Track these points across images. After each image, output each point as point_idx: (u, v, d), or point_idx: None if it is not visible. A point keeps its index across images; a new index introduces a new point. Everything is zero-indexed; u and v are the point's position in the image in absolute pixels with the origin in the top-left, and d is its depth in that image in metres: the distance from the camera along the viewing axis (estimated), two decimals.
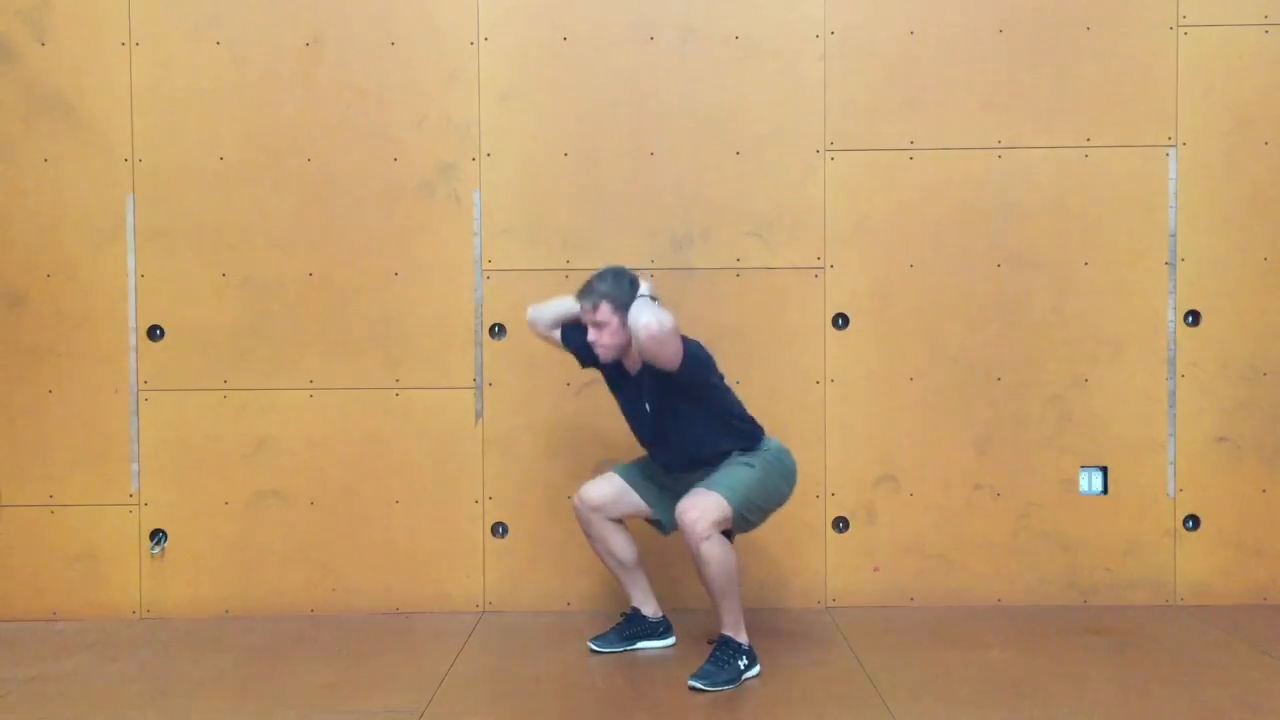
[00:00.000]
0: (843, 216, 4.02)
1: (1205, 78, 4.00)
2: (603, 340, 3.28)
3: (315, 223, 4.00)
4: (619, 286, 3.26)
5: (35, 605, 3.99)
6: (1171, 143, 4.01)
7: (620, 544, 3.50)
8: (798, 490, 3.97)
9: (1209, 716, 2.91)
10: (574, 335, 3.47)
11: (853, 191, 4.02)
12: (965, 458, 4.02)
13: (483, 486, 4.02)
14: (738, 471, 3.28)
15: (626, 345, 3.29)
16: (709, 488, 3.21)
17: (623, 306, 3.24)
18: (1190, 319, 4.02)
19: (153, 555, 4.00)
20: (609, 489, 3.47)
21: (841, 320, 4.03)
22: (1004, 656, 3.44)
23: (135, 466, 4.00)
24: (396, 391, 4.01)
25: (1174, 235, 4.01)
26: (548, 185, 4.00)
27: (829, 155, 4.02)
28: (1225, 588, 4.01)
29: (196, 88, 3.99)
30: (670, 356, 3.15)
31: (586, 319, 3.30)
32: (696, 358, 3.25)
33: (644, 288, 3.29)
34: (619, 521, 3.50)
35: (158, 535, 4.01)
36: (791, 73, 4.01)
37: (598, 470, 3.94)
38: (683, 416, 3.31)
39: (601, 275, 3.31)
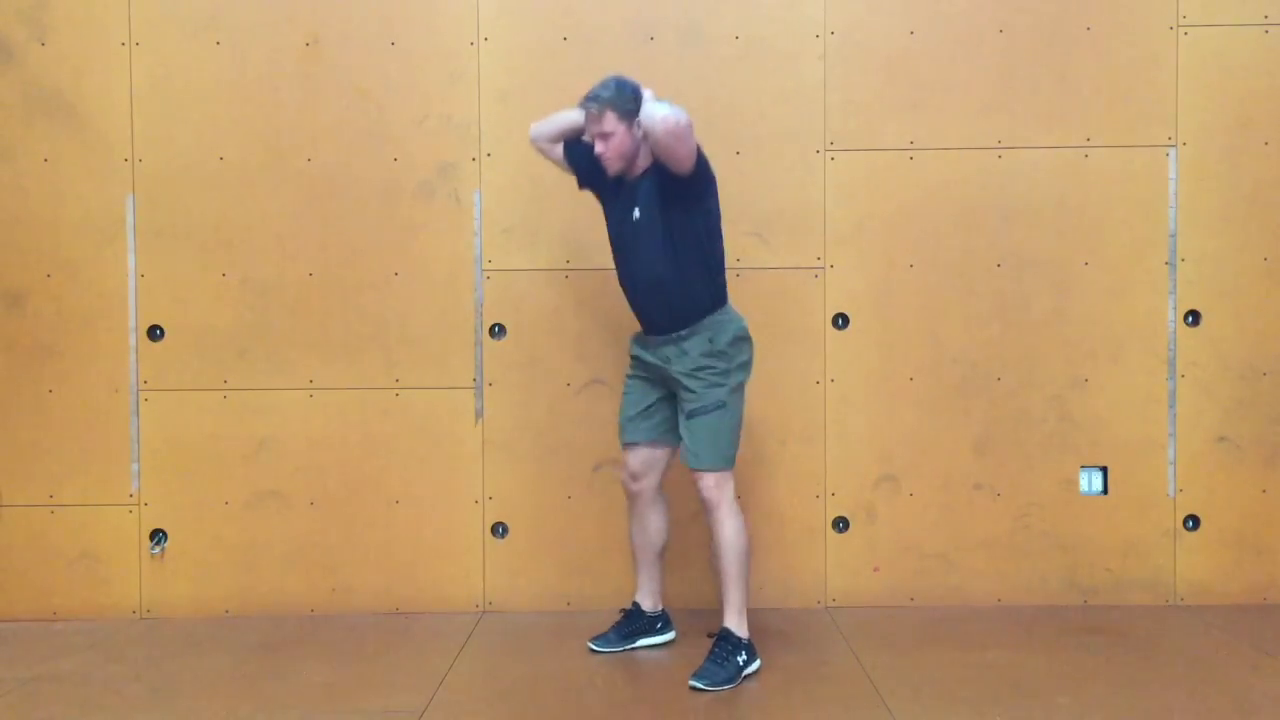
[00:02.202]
0: (843, 216, 4.02)
1: (1205, 78, 4.00)
2: (609, 152, 3.23)
3: (315, 223, 4.00)
4: (623, 95, 3.21)
5: (35, 605, 3.99)
6: (1171, 143, 4.01)
7: (656, 527, 3.52)
8: (798, 490, 4.00)
9: (1209, 716, 2.91)
10: (577, 151, 3.44)
11: (853, 191, 4.02)
12: (965, 458, 4.02)
13: (483, 486, 4.03)
14: (717, 426, 3.25)
15: (632, 155, 3.26)
16: (702, 465, 3.23)
17: (627, 115, 3.20)
18: (1190, 319, 4.02)
19: (153, 555, 4.00)
20: (640, 453, 3.46)
21: (841, 320, 4.03)
22: (1004, 656, 3.44)
23: (135, 466, 4.00)
24: (396, 391, 4.01)
25: (1174, 235, 4.01)
26: (548, 185, 4.00)
27: (829, 155, 4.02)
28: (1225, 588, 4.01)
29: (196, 88, 3.99)
30: (685, 155, 3.09)
31: (592, 129, 3.25)
32: (706, 167, 3.22)
33: (648, 94, 3.21)
34: (662, 502, 3.52)
35: (158, 535, 4.01)
36: (791, 73, 4.01)
37: (597, 469, 3.96)
38: (669, 234, 3.24)
39: (605, 84, 3.25)
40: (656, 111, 3.05)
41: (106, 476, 4.00)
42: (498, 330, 4.02)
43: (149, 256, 4.00)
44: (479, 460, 4.02)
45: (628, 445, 3.50)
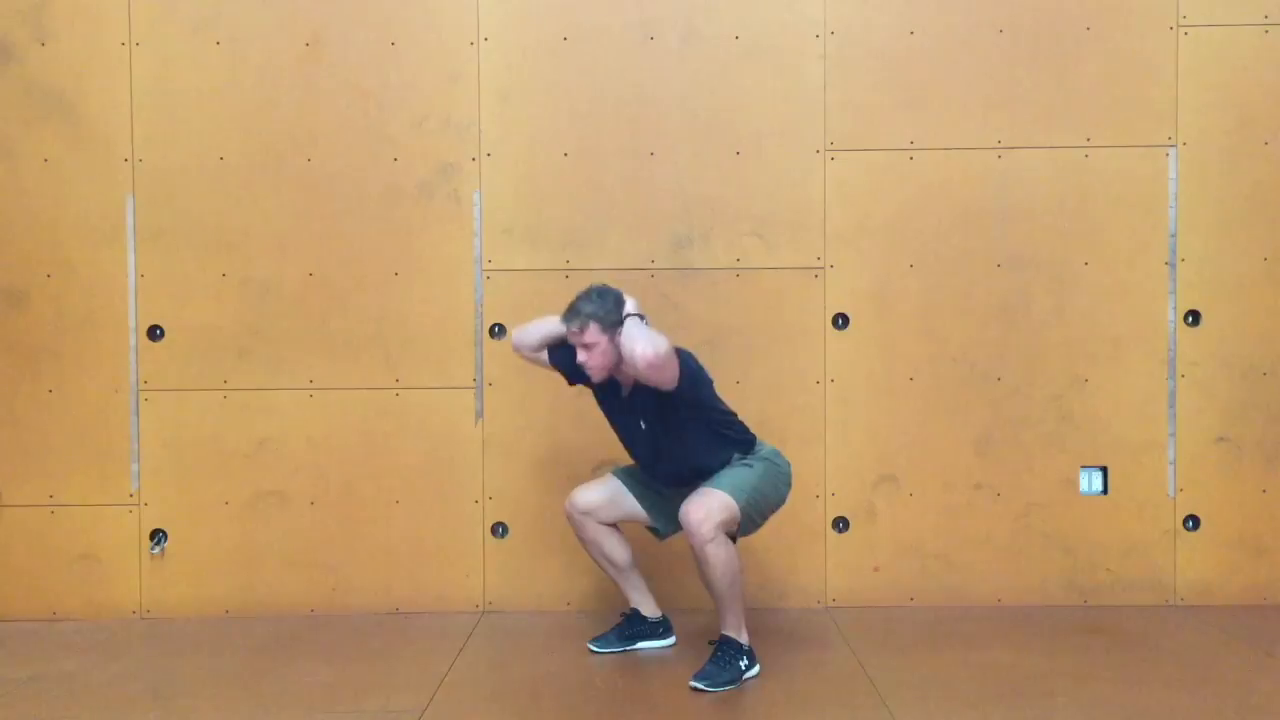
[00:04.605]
0: (843, 216, 4.02)
1: (1205, 78, 4.00)
2: (592, 362, 3.26)
3: (315, 223, 4.00)
4: (604, 306, 3.23)
5: (35, 605, 3.99)
6: (1171, 143, 4.01)
7: (613, 546, 3.50)
8: (798, 490, 3.98)
9: (1209, 716, 2.91)
10: (562, 355, 3.43)
11: (853, 191, 4.02)
12: (965, 458, 4.02)
13: (483, 486, 4.02)
14: (738, 471, 3.28)
15: (616, 364, 3.27)
16: (713, 487, 3.21)
17: (610, 326, 3.21)
18: (1190, 319, 4.02)
19: (153, 555, 4.00)
20: (601, 493, 3.47)
21: (841, 320, 4.03)
22: (1004, 656, 3.44)
23: (135, 466, 4.00)
24: (396, 391, 4.01)
25: (1174, 235, 4.01)
26: (548, 185, 4.00)
27: (829, 155, 4.02)
28: (1225, 588, 4.01)
29: (196, 88, 3.99)
30: (669, 378, 3.15)
31: (574, 341, 3.27)
32: (693, 374, 3.24)
33: (630, 305, 3.25)
34: (612, 524, 3.50)
35: (158, 535, 4.01)
36: (791, 73, 4.01)
37: (597, 470, 3.95)
38: (679, 430, 3.29)
39: (586, 295, 3.27)
40: (635, 347, 3.06)
41: (106, 476, 4.00)
42: (498, 330, 4.02)
43: (149, 256, 4.00)
44: (479, 460, 4.02)
45: (607, 476, 3.51)
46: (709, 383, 3.35)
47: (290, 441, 4.00)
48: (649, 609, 3.59)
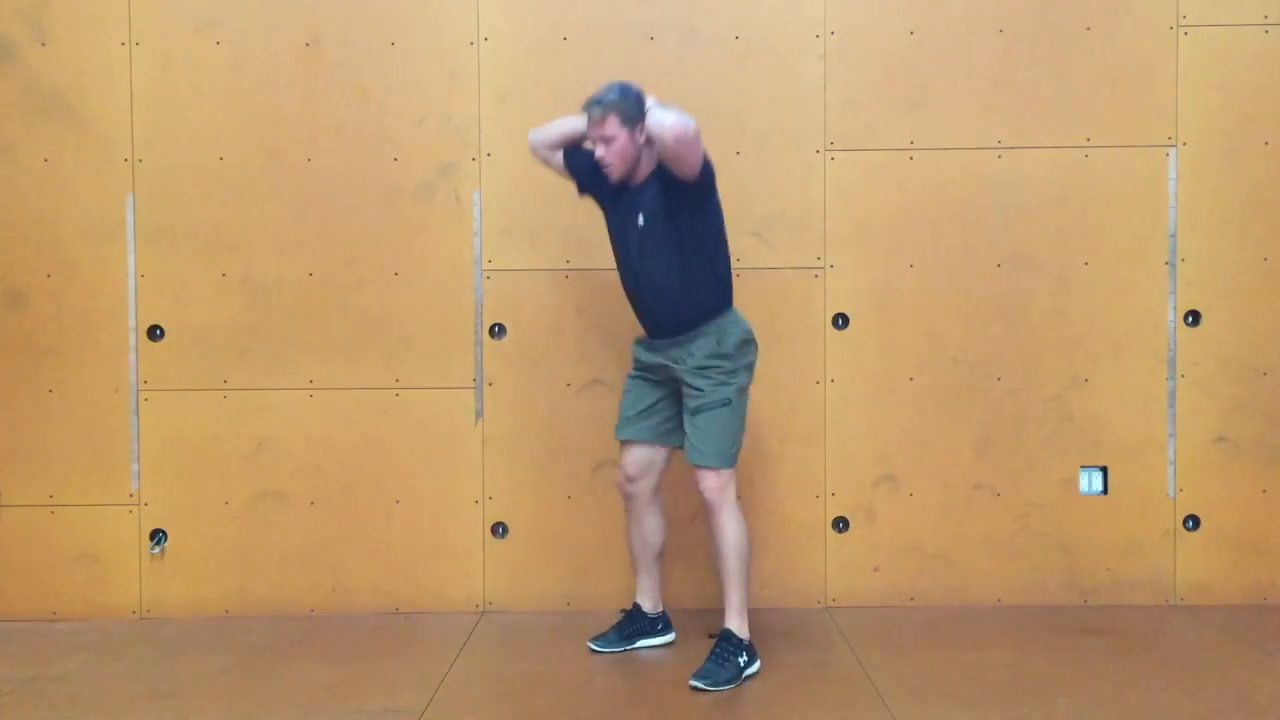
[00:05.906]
0: (843, 216, 4.02)
1: (1205, 78, 4.00)
2: (610, 157, 3.21)
3: (315, 223, 4.00)
4: (626, 100, 3.19)
5: (35, 605, 3.99)
6: (1171, 143, 4.01)
7: (653, 529, 3.52)
8: (798, 490, 4.00)
9: (1209, 716, 2.92)
10: (577, 157, 3.41)
11: (853, 191, 4.02)
12: (965, 458, 4.02)
13: (483, 486, 4.03)
14: (722, 423, 3.25)
15: (635, 160, 3.24)
16: (706, 463, 3.23)
17: (631, 121, 3.18)
18: (1190, 319, 4.02)
19: (153, 555, 4.00)
20: (637, 453, 3.46)
21: (841, 320, 4.03)
22: (1004, 656, 3.44)
23: (135, 466, 4.00)
24: (396, 391, 4.01)
25: (1174, 235, 4.01)
26: (548, 185, 3.99)
27: (829, 155, 4.02)
28: (1225, 588, 4.01)
29: (196, 88, 3.99)
30: (694, 161, 3.08)
31: (593, 134, 3.23)
32: (710, 172, 3.20)
33: (651, 100, 3.20)
34: (658, 505, 3.50)
35: (158, 535, 4.01)
36: (791, 73, 4.01)
37: (597, 470, 3.96)
38: (674, 238, 3.23)
39: (608, 88, 3.23)
40: (665, 119, 3.03)
41: (106, 476, 4.00)
42: (498, 330, 4.03)
43: (149, 256, 4.00)
44: (479, 460, 4.02)
45: (625, 443, 3.50)
46: (718, 203, 3.30)
47: (290, 441, 4.00)
48: (650, 605, 3.59)
